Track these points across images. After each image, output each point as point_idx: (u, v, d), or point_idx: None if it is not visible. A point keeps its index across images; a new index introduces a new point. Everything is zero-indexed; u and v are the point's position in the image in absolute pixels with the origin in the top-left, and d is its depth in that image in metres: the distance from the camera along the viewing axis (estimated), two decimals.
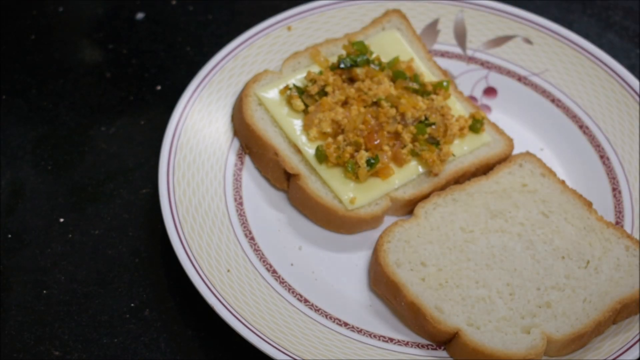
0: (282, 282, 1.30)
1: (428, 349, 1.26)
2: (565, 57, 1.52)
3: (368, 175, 1.34)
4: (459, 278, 1.27)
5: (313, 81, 1.40)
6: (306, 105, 1.40)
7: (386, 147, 1.36)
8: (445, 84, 1.43)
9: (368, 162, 1.33)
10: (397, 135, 1.38)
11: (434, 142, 1.38)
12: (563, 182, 1.39)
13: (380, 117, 1.37)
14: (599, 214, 1.36)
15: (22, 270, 1.33)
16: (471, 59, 1.54)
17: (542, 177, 1.39)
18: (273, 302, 1.26)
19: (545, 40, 1.53)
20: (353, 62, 1.42)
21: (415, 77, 1.43)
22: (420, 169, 1.38)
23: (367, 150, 1.35)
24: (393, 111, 1.37)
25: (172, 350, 1.27)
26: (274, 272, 1.30)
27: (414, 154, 1.37)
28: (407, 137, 1.37)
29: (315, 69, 1.44)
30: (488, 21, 1.54)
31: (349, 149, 1.34)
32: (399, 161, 1.36)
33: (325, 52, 1.47)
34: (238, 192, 1.38)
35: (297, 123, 1.39)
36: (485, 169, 1.41)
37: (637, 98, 1.46)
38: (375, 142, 1.35)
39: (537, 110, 1.50)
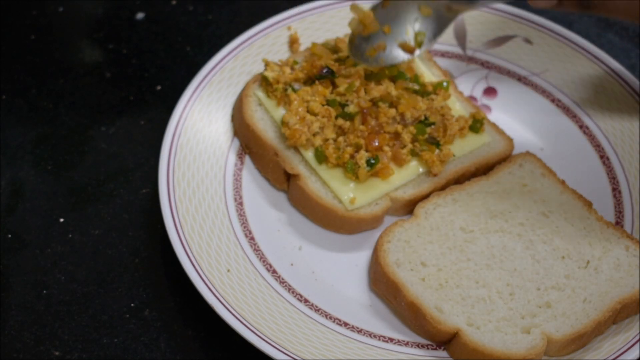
0: (282, 282, 1.29)
1: (428, 349, 1.26)
2: (565, 57, 1.51)
3: (368, 176, 1.34)
4: (459, 278, 1.27)
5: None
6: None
7: (386, 148, 1.36)
8: (445, 84, 1.43)
9: (368, 163, 1.33)
10: (397, 136, 1.37)
11: (434, 142, 1.38)
12: (563, 182, 1.39)
13: (380, 117, 1.37)
14: (599, 214, 1.36)
15: (22, 270, 1.33)
16: (471, 59, 1.54)
17: (542, 177, 1.39)
18: (273, 302, 1.26)
19: (545, 40, 1.53)
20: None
21: (415, 77, 1.42)
22: (420, 169, 1.38)
23: (367, 150, 1.35)
24: (393, 111, 1.37)
25: (172, 350, 1.27)
26: (274, 272, 1.30)
27: (414, 154, 1.37)
28: (407, 137, 1.37)
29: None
30: (488, 21, 1.54)
31: (349, 149, 1.34)
32: (399, 161, 1.36)
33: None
34: (238, 192, 1.38)
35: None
36: (485, 169, 1.41)
37: (637, 98, 1.46)
38: (375, 143, 1.35)
39: (537, 110, 1.50)
